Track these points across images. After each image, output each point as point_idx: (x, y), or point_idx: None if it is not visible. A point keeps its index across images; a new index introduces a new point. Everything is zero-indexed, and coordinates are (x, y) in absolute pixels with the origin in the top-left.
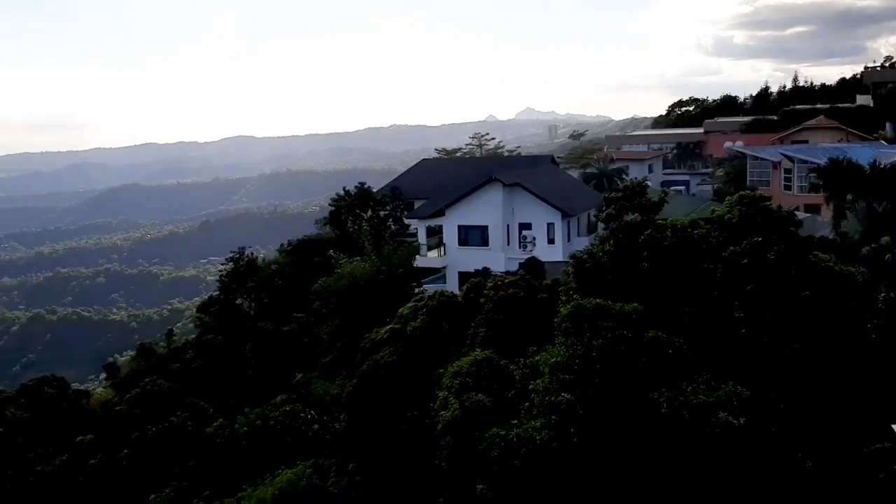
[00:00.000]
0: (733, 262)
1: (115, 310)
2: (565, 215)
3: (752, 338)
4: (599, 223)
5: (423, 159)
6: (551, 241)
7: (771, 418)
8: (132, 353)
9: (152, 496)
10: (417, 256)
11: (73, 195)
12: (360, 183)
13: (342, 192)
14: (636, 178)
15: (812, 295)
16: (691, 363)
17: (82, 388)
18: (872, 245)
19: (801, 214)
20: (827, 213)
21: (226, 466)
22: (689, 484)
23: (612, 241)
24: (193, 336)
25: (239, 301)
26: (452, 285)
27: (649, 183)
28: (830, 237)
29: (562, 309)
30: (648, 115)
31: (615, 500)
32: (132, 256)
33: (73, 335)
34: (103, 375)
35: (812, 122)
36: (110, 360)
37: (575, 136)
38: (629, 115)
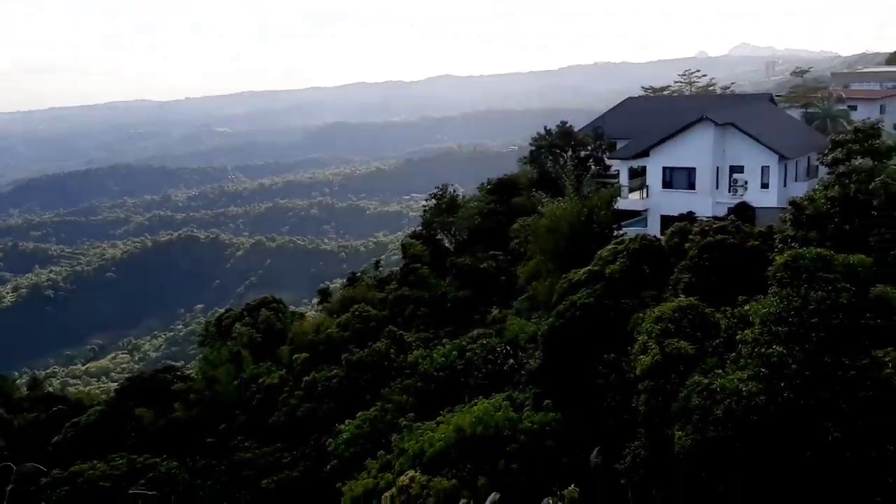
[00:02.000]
0: None
1: (326, 240)
2: (782, 158)
3: None
4: (822, 167)
5: (628, 98)
6: (765, 185)
7: None
8: (342, 280)
9: (359, 413)
10: (618, 198)
11: (291, 131)
12: (561, 122)
13: (543, 132)
14: (866, 120)
15: None
16: None
17: (297, 310)
18: None
19: None
20: None
21: (425, 393)
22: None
23: (837, 187)
24: (397, 268)
25: (440, 237)
26: (654, 229)
27: (882, 125)
28: None
29: (777, 257)
30: (882, 51)
31: (820, 463)
32: (342, 191)
33: (289, 262)
34: (316, 300)
35: None
36: (322, 286)
37: (796, 72)
38: (860, 50)
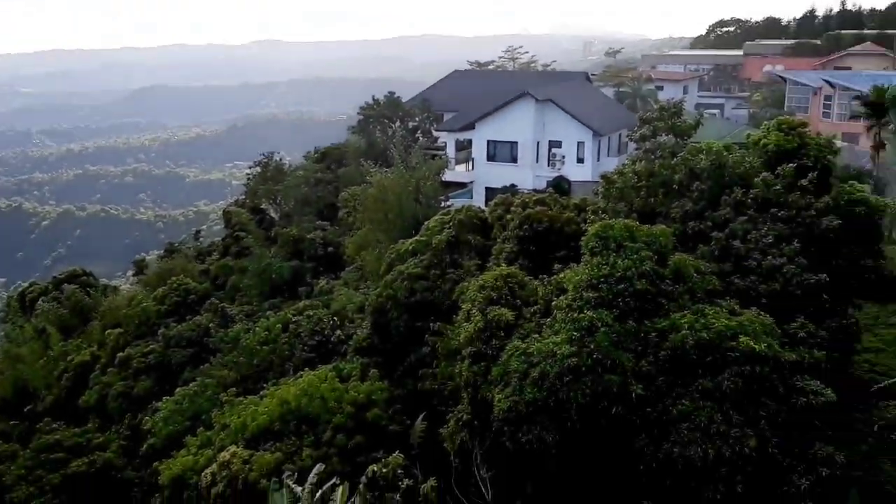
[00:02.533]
0: (766, 188)
1: (142, 209)
2: (596, 134)
3: (778, 267)
4: (631, 143)
5: (455, 71)
6: (581, 160)
7: (791, 345)
8: (159, 252)
9: (178, 390)
10: (445, 170)
11: (103, 94)
12: (389, 92)
13: (371, 102)
14: (671, 99)
15: (842, 226)
16: (716, 287)
17: (110, 283)
18: None
19: (838, 143)
20: (866, 143)
21: (248, 368)
22: (705, 406)
23: (643, 163)
24: (219, 238)
25: (264, 206)
26: (479, 200)
27: (684, 104)
28: (868, 167)
29: (589, 228)
30: (687, 35)
31: (626, 419)
32: (159, 157)
33: (101, 232)
34: (131, 272)
35: (857, 48)
36: (138, 257)
37: (610, 53)
38: (667, 35)
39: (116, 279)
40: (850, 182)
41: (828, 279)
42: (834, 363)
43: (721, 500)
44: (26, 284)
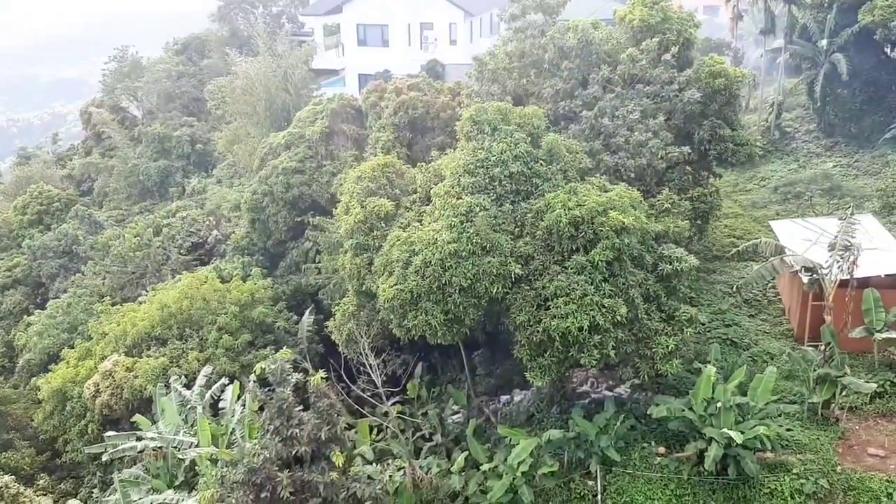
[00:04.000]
0: (632, 64)
1: None
2: (468, 14)
3: (644, 142)
4: (503, 23)
5: None
6: (453, 41)
7: (658, 216)
8: (14, 158)
9: (50, 302)
10: (314, 57)
11: None
12: None
13: None
14: None
15: (703, 98)
16: (587, 165)
17: None
18: (767, 49)
19: (699, 16)
20: (725, 15)
21: (123, 274)
22: (579, 280)
23: (514, 43)
24: (79, 141)
25: (125, 104)
26: (353, 88)
27: None
28: (727, 39)
29: (463, 112)
30: None
31: (506, 299)
32: (7, 58)
33: None
34: None
35: None
36: None
37: None
38: None
39: None
40: (711, 55)
41: (690, 151)
42: (696, 230)
43: (596, 364)
44: None
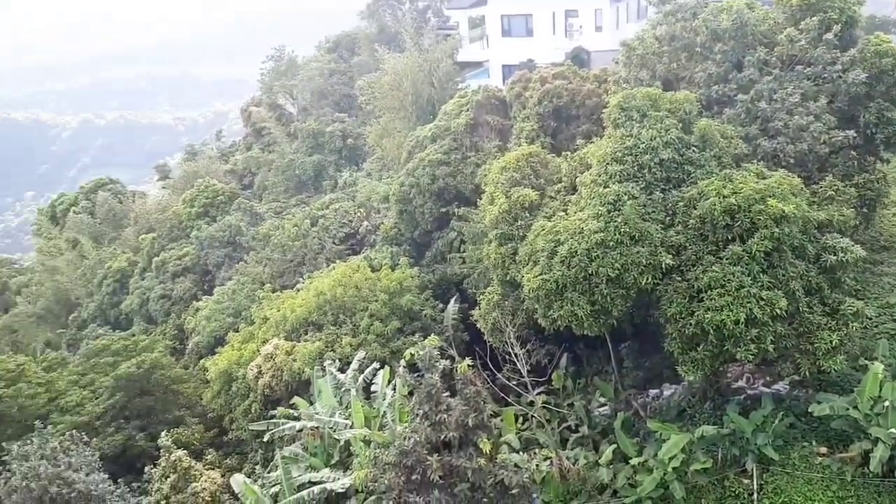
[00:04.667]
0: (791, 45)
1: (160, 113)
2: (614, 0)
3: (804, 126)
4: (651, 7)
5: None
6: (599, 28)
7: (820, 204)
8: (181, 154)
9: (216, 289)
10: (459, 50)
11: None
12: None
13: None
14: None
15: (869, 79)
16: (743, 151)
17: (137, 189)
18: None
19: None
20: None
21: (283, 262)
22: (735, 271)
23: (664, 27)
24: (240, 137)
25: (282, 102)
26: (497, 79)
27: None
28: (894, 16)
29: (610, 99)
30: None
31: (655, 290)
32: (170, 58)
33: (122, 139)
34: (156, 177)
35: None
36: (161, 161)
37: None
38: None
39: (143, 185)
40: (876, 33)
41: (855, 135)
42: (862, 219)
43: (753, 359)
44: (55, 197)
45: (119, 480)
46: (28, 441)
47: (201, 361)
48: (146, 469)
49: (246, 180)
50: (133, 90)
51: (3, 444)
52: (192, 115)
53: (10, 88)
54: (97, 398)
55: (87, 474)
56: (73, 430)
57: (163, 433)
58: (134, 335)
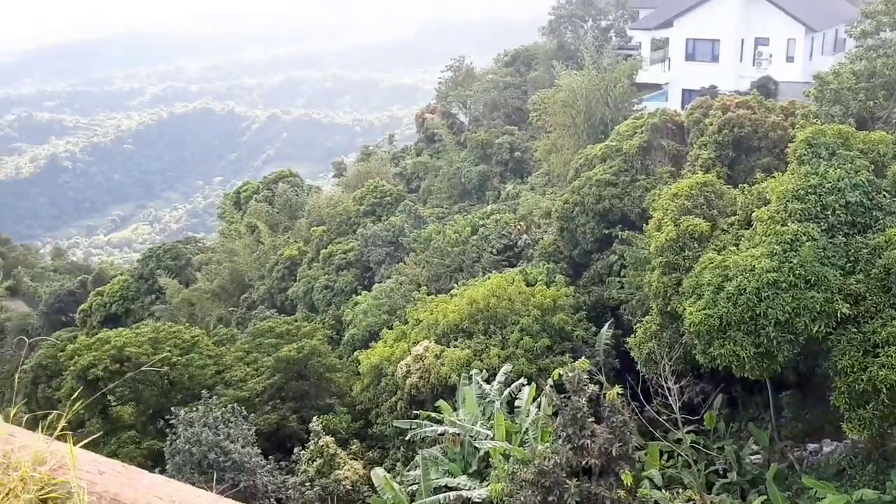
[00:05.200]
0: None
1: (341, 113)
2: (809, 30)
3: None
4: (850, 40)
5: None
6: (790, 58)
7: None
8: (356, 154)
9: (375, 285)
10: (639, 71)
11: None
12: None
13: (563, 1)
14: None
15: None
16: None
17: (313, 184)
18: None
19: None
20: None
21: (440, 266)
22: None
23: (864, 62)
24: (412, 142)
25: (455, 111)
26: (675, 103)
27: None
28: None
29: (798, 133)
30: None
31: (828, 339)
32: (356, 63)
33: (304, 135)
34: (332, 173)
35: None
36: (337, 160)
37: None
38: None
39: (319, 180)
40: None
41: None
42: None
43: None
44: (240, 184)
45: (270, 457)
46: (194, 408)
47: (354, 353)
48: (295, 450)
49: (413, 184)
50: (319, 90)
51: (173, 408)
52: (370, 118)
53: (215, 83)
54: (258, 376)
55: (242, 446)
56: (235, 404)
57: (314, 418)
58: (296, 320)
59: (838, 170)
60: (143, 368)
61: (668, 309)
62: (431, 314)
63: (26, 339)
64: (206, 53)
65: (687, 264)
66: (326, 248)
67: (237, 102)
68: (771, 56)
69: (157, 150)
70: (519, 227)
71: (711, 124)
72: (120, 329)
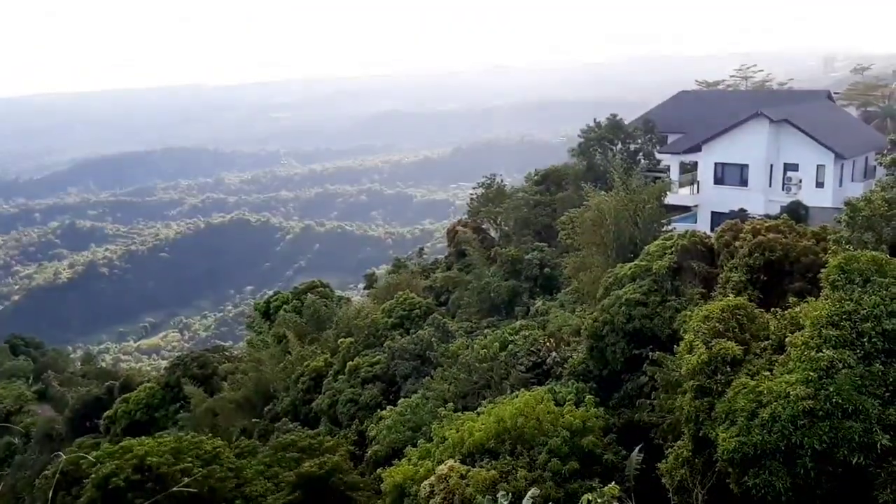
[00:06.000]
0: None
1: (373, 226)
2: (839, 157)
3: None
4: (880, 168)
5: (681, 91)
6: (820, 184)
7: None
8: (387, 266)
9: (401, 400)
10: (668, 193)
11: (342, 118)
12: (611, 114)
13: (593, 124)
14: None
15: None
16: None
17: (344, 295)
18: None
19: None
20: None
21: (467, 383)
22: None
23: (895, 189)
24: (442, 256)
25: (486, 226)
26: (704, 225)
27: None
28: None
29: (830, 259)
30: None
31: (867, 473)
32: (390, 178)
33: (337, 247)
34: (362, 285)
35: None
36: (369, 271)
37: (856, 70)
38: None
39: (349, 291)
40: None
41: None
42: None
43: None
44: (271, 293)
45: None
46: None
47: (377, 470)
48: None
49: (443, 297)
50: (353, 203)
51: None
52: (402, 231)
53: (252, 196)
54: (279, 491)
55: None
56: None
57: None
58: (320, 434)
59: (874, 296)
60: (171, 490)
61: (701, 434)
62: (457, 433)
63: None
64: (246, 167)
65: (719, 388)
66: (353, 361)
67: (273, 213)
68: (801, 182)
69: (192, 259)
70: (548, 344)
71: (742, 247)
72: (143, 437)
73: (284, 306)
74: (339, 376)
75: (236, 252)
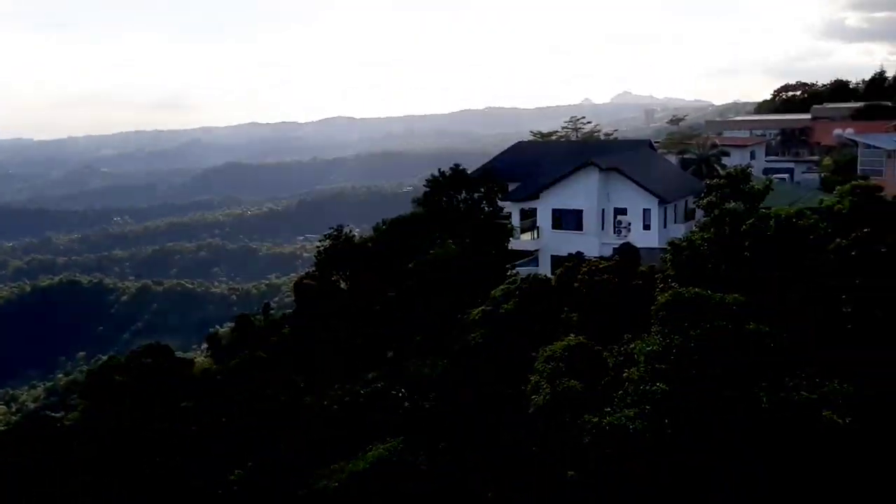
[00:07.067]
0: (841, 255)
1: (216, 283)
2: (662, 201)
3: (860, 335)
4: (698, 210)
5: (519, 142)
6: (647, 227)
7: (880, 419)
8: (232, 324)
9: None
10: (510, 239)
11: (180, 172)
12: (454, 165)
13: (437, 174)
14: (738, 165)
15: None
16: (794, 358)
17: (185, 356)
18: None
19: None
20: None
21: (317, 440)
22: (788, 482)
23: (712, 229)
24: (289, 310)
25: (334, 278)
26: (545, 269)
27: (752, 170)
28: None
29: (659, 297)
30: (751, 101)
31: (708, 493)
32: (233, 233)
33: (177, 306)
34: (205, 345)
35: None
36: (211, 330)
37: (673, 120)
38: (730, 100)
39: (192, 351)
40: None
41: None
42: None
43: None
44: (105, 358)
45: None
46: None
47: None
48: None
49: (294, 350)
50: (192, 260)
51: None
52: (247, 287)
53: (83, 255)
54: None
55: None
56: None
57: None
58: None
59: (698, 330)
60: None
61: (554, 473)
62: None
63: None
64: (74, 226)
65: (566, 426)
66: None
67: (106, 274)
68: (630, 225)
69: (18, 325)
70: (402, 394)
71: (580, 288)
72: None
73: (116, 375)
74: None
75: (67, 316)
